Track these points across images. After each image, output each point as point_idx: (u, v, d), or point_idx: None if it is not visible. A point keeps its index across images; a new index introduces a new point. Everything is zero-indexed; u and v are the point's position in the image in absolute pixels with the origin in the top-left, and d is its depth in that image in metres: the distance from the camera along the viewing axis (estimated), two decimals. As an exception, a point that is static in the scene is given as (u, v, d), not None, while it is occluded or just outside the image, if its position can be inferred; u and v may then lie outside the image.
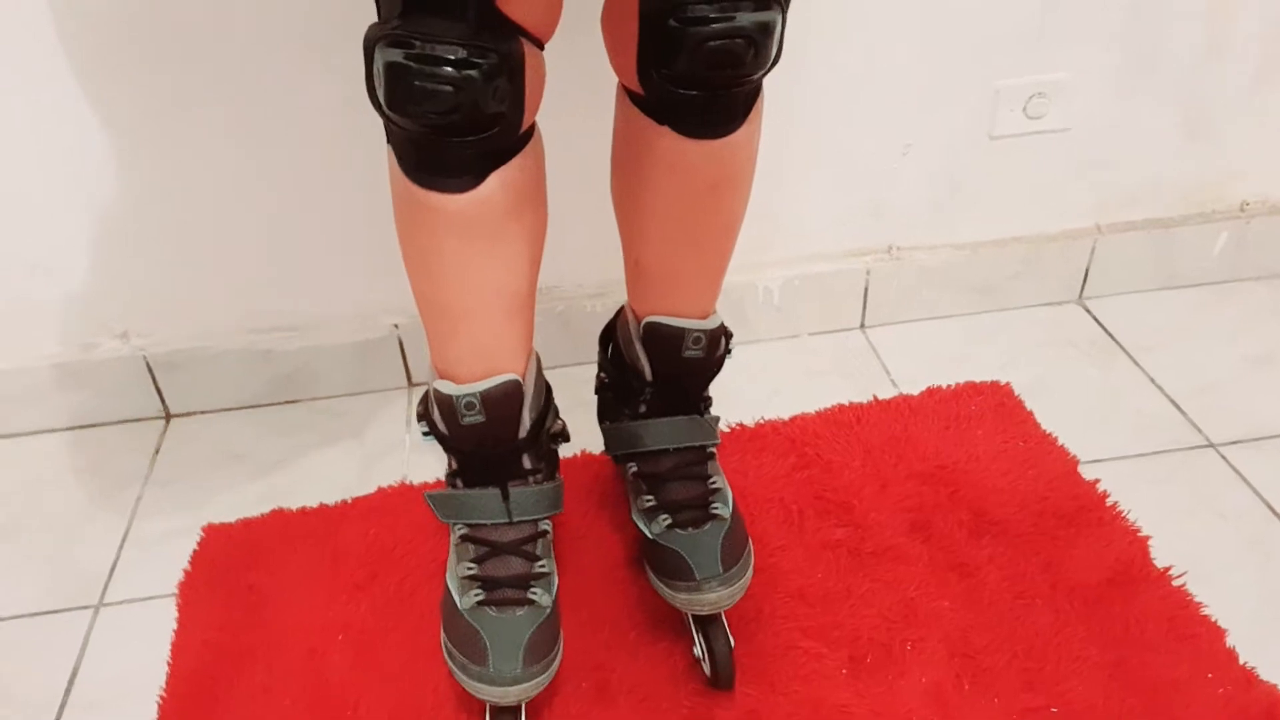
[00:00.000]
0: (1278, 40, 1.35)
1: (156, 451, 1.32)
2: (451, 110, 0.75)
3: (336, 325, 1.35)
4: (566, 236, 1.29)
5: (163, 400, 1.36)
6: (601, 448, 1.07)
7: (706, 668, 0.97)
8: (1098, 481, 1.17)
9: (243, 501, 1.22)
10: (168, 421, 1.37)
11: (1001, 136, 1.36)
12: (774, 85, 1.26)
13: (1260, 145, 1.43)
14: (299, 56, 1.16)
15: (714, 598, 0.92)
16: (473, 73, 0.74)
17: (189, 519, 1.20)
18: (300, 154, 1.23)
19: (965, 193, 1.40)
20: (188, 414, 1.37)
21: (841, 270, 1.42)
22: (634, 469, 1.01)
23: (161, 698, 1.00)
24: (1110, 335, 1.43)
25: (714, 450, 1.03)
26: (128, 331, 1.32)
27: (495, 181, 0.81)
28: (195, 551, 1.15)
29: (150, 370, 1.33)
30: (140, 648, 1.06)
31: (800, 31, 1.24)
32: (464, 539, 0.93)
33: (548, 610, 0.90)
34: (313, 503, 1.20)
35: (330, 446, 1.31)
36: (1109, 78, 1.34)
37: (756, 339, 1.44)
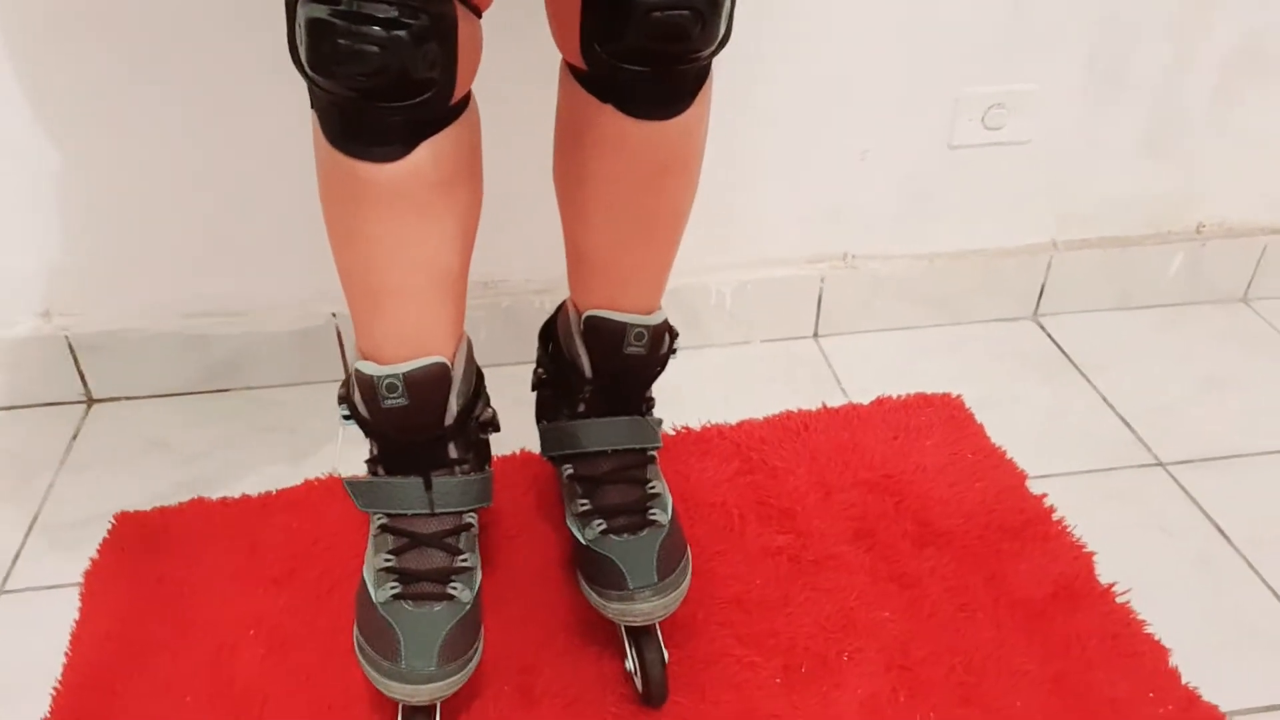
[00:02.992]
0: (1239, 64, 1.35)
1: (74, 436, 1.26)
2: (378, 73, 0.71)
3: (274, 312, 1.31)
4: (516, 228, 1.26)
5: (85, 384, 1.30)
6: (543, 447, 1.03)
7: (638, 682, 0.93)
8: (1045, 496, 1.14)
9: (163, 491, 1.17)
10: (89, 406, 1.31)
11: (960, 146, 1.34)
12: (734, 83, 1.25)
13: (1218, 167, 1.42)
14: (235, 28, 1.12)
15: (647, 608, 0.88)
16: (401, 33, 0.70)
17: (103, 507, 1.14)
18: (241, 131, 1.18)
19: (923, 202, 1.39)
20: (112, 399, 1.31)
21: (796, 276, 1.40)
22: (570, 471, 0.97)
23: (56, 689, 0.94)
24: (1064, 352, 1.42)
25: (655, 454, 0.99)
26: (50, 310, 1.27)
27: (425, 152, 0.77)
28: (105, 539, 1.09)
29: (73, 351, 1.28)
30: (39, 638, 1.00)
31: (761, 29, 1.23)
32: (383, 529, 0.88)
33: (467, 606, 0.86)
34: (236, 494, 1.15)
35: (260, 437, 1.26)
36: (1070, 92, 1.33)
37: (708, 343, 1.41)
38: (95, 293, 1.27)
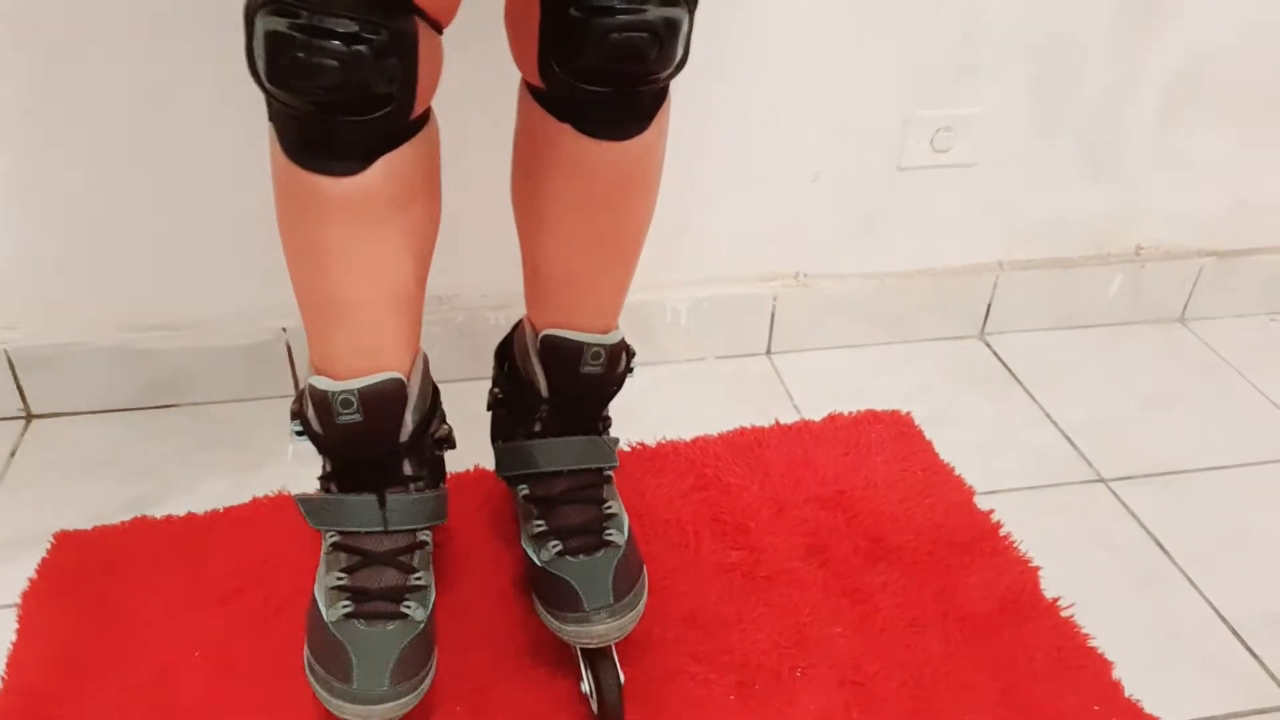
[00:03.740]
0: (1177, 92, 1.39)
1: (12, 454, 1.22)
2: (337, 87, 0.71)
3: (220, 327, 1.28)
4: (471, 243, 1.26)
5: (24, 399, 1.27)
6: (498, 463, 1.02)
7: (594, 703, 0.93)
8: (992, 512, 1.17)
9: (105, 509, 1.14)
10: (28, 422, 1.27)
11: (909, 168, 1.37)
12: (687, 103, 1.26)
13: (1156, 190, 1.47)
14: (184, 38, 1.10)
15: (603, 629, 0.88)
16: (362, 48, 0.70)
17: (42, 526, 1.11)
18: (188, 143, 1.17)
19: (874, 223, 1.41)
20: (52, 415, 1.28)
21: (749, 294, 1.41)
22: (525, 491, 0.96)
23: (-10, 716, 0.91)
24: (1009, 370, 1.45)
25: (611, 473, 0.99)
26: (-12, 323, 1.24)
27: (382, 167, 0.77)
28: (44, 559, 1.06)
29: (11, 366, 1.24)
30: (-27, 662, 0.97)
31: (715, 51, 1.24)
32: (335, 547, 0.87)
33: (421, 625, 0.85)
34: (181, 513, 1.13)
35: (206, 455, 1.24)
36: (1016, 115, 1.36)
37: (662, 359, 1.42)
38: (36, 305, 1.23)
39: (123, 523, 1.11)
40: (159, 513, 1.13)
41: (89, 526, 1.10)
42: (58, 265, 1.21)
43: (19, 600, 1.02)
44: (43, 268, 1.21)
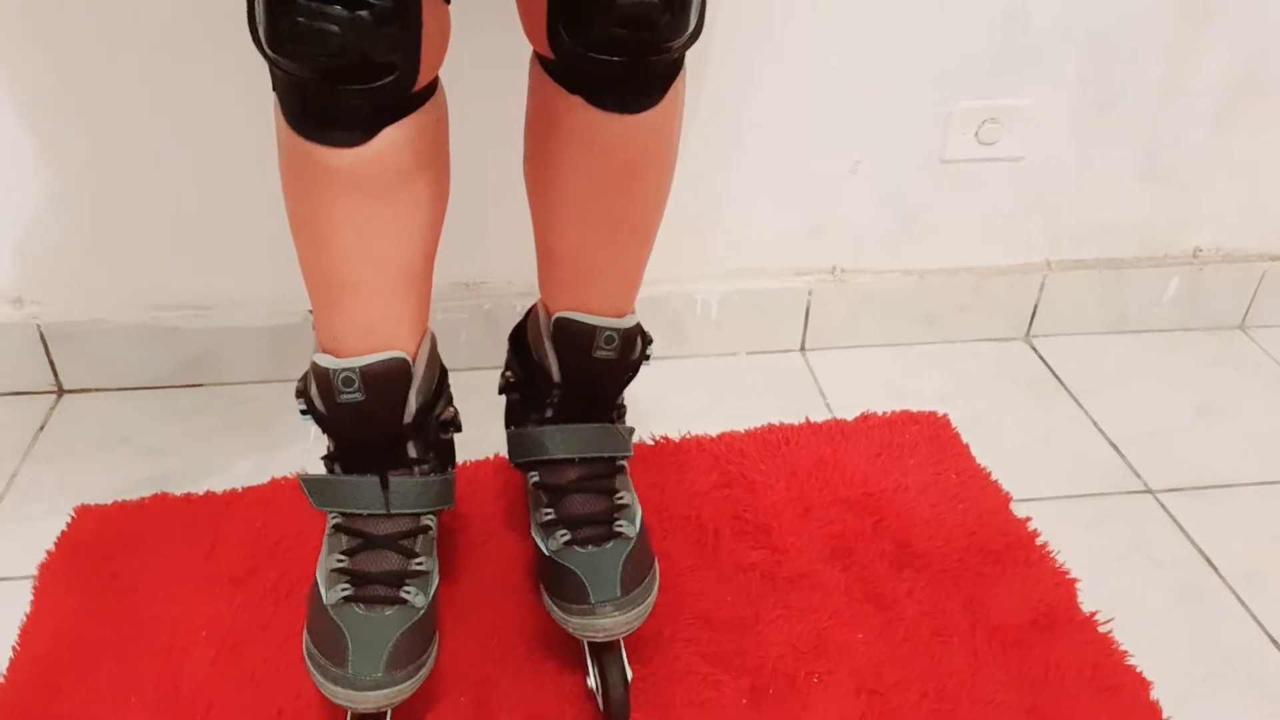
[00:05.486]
0: (1237, 88, 1.32)
1: (41, 427, 1.23)
2: (337, 54, 0.69)
3: (247, 308, 1.28)
4: (498, 230, 1.24)
5: (55, 373, 1.28)
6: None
7: (600, 699, 0.90)
8: (1029, 520, 1.11)
9: (127, 485, 1.14)
10: (59, 396, 1.28)
11: (953, 161, 1.32)
12: (726, 91, 1.23)
13: (1216, 192, 1.40)
14: (212, 16, 1.10)
15: (609, 623, 0.85)
16: (363, 14, 0.68)
17: (64, 500, 1.11)
18: (220, 122, 1.16)
19: (914, 217, 1.36)
20: (82, 390, 1.29)
21: (783, 289, 1.37)
22: (535, 479, 0.93)
23: (0, 685, 0.91)
24: (1055, 375, 1.39)
25: (624, 463, 0.96)
26: (21, 297, 1.25)
27: (387, 138, 0.75)
28: (62, 533, 1.06)
29: (44, 340, 1.25)
30: (-12, 631, 0.97)
31: (753, 40, 1.21)
32: (337, 529, 0.85)
33: (421, 612, 0.83)
34: (200, 491, 1.12)
35: (230, 434, 1.24)
36: (1065, 109, 1.31)
37: (692, 353, 1.38)
38: (68, 281, 1.24)
39: (142, 499, 1.11)
40: (179, 490, 1.13)
41: (109, 502, 1.11)
42: (90, 243, 1.22)
43: (36, 572, 1.02)
44: (75, 245, 1.22)
